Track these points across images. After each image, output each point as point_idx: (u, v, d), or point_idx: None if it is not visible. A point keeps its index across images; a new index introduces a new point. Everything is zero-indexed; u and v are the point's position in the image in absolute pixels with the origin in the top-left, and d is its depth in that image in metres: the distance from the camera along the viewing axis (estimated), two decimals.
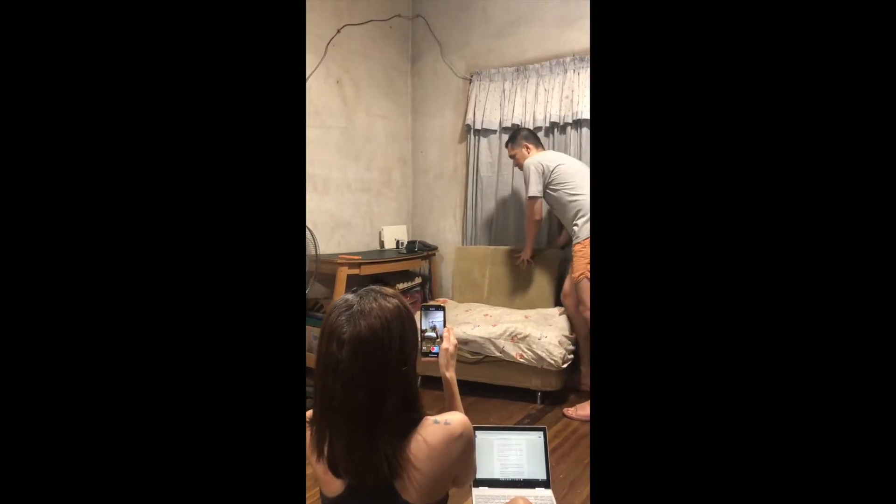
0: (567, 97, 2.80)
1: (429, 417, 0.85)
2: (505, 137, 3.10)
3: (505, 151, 3.08)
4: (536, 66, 2.94)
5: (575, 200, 2.29)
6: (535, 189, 2.40)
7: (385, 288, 0.87)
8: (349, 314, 0.80)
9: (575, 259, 2.31)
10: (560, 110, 2.83)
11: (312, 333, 2.78)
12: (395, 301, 0.84)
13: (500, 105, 3.07)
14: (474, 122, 3.14)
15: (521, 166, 2.57)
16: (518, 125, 2.97)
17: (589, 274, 2.21)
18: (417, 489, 0.81)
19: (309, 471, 1.75)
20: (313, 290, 2.56)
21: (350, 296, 0.84)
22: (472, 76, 3.21)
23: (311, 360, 2.95)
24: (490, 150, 3.15)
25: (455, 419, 0.85)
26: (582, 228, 2.27)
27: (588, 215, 2.26)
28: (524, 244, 2.78)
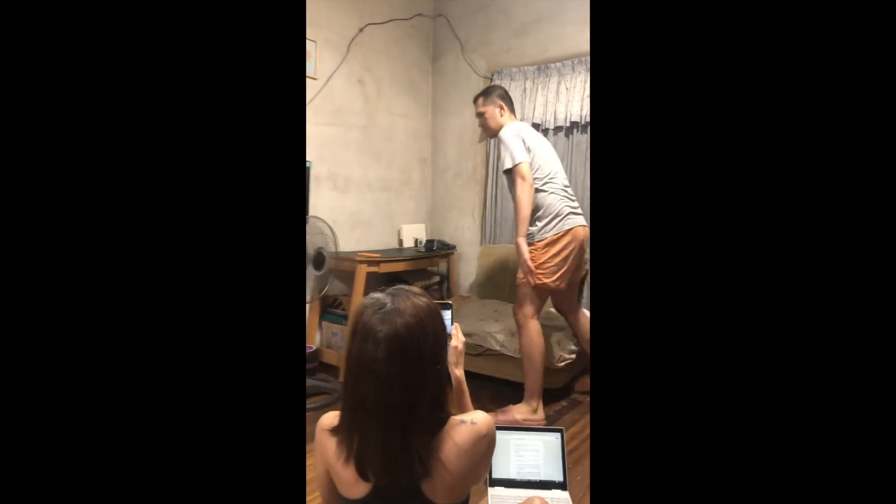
0: (589, 96, 2.78)
1: (454, 417, 0.85)
2: None
3: None
4: (558, 64, 2.92)
5: (540, 193, 2.03)
6: (521, 155, 2.01)
7: (413, 287, 0.87)
8: (383, 313, 0.79)
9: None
10: (581, 109, 2.80)
11: (331, 329, 2.80)
12: (425, 299, 0.84)
13: (520, 104, 3.05)
14: None
15: (487, 128, 2.23)
16: (538, 124, 2.96)
17: (538, 279, 2.02)
18: (446, 489, 0.81)
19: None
20: (332, 286, 2.58)
21: (380, 295, 0.83)
22: (492, 75, 3.20)
23: (328, 356, 2.94)
24: None
25: (480, 418, 0.85)
26: (541, 230, 2.04)
27: (551, 217, 2.04)
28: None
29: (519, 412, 2.12)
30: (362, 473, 0.82)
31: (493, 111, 2.20)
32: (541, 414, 2.13)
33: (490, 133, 2.26)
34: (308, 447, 1.89)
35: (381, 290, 0.85)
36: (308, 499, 1.58)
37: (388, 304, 0.81)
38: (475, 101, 2.28)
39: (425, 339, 0.80)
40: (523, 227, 2.01)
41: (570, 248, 2.07)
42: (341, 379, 2.56)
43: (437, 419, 0.83)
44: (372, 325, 0.79)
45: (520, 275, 2.09)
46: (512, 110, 2.23)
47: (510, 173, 2.05)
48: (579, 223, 2.10)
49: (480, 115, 2.24)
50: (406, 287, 0.86)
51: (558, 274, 2.07)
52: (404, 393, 0.78)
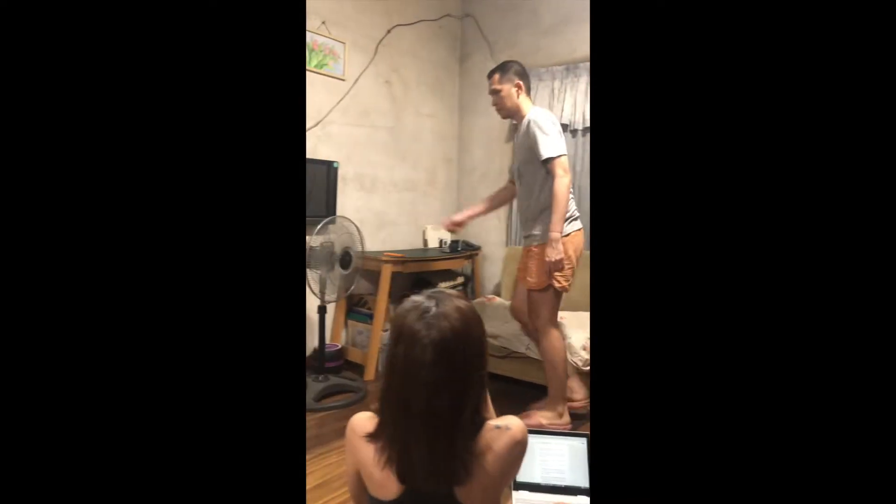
0: None
1: (489, 422, 0.84)
2: None
3: None
4: (587, 64, 2.88)
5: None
6: (563, 147, 1.93)
7: (450, 290, 0.86)
8: (429, 317, 0.78)
9: (532, 261, 2.02)
10: None
11: (356, 328, 2.82)
12: (465, 302, 0.83)
13: (549, 104, 3.02)
14: None
15: (502, 107, 2.08)
16: (566, 125, 2.92)
17: (560, 283, 1.97)
18: (480, 494, 0.80)
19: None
20: (358, 286, 2.60)
21: (419, 298, 0.82)
22: None
23: (354, 354, 2.96)
24: None
25: (514, 424, 0.84)
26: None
27: (567, 216, 1.98)
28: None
29: (544, 417, 2.10)
30: (402, 478, 0.80)
31: (510, 90, 2.05)
32: (566, 418, 2.10)
33: (504, 113, 2.11)
34: (333, 445, 1.91)
35: (420, 293, 0.84)
36: (328, 497, 1.59)
37: (433, 308, 0.79)
38: (490, 76, 2.10)
39: (471, 342, 0.79)
40: (561, 223, 1.93)
41: (578, 251, 2.02)
42: (366, 378, 2.59)
43: (477, 424, 0.82)
44: (418, 329, 0.77)
45: (533, 278, 2.01)
46: (528, 91, 2.10)
47: (547, 163, 1.94)
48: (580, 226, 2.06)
49: (495, 92, 2.07)
50: (444, 290, 0.85)
51: (570, 277, 2.02)
52: (451, 397, 0.77)
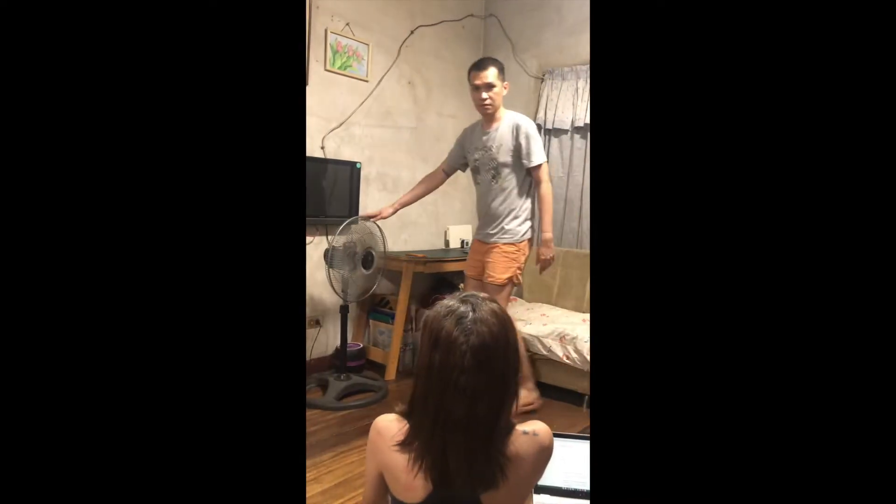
0: None
1: (518, 427, 0.83)
2: (577, 137, 3.02)
3: (578, 151, 3.00)
4: None
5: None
6: (544, 154, 2.11)
7: (479, 293, 0.85)
8: (468, 322, 0.77)
9: (498, 257, 2.11)
10: None
11: (378, 328, 2.84)
12: (498, 306, 0.82)
13: (572, 104, 2.99)
14: (545, 121, 3.08)
15: (493, 106, 2.03)
16: (588, 125, 2.88)
17: (518, 279, 2.13)
18: (508, 498, 0.80)
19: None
20: (380, 286, 2.61)
21: (453, 302, 0.81)
22: (544, 75, 3.15)
23: (375, 353, 2.98)
24: (561, 151, 3.08)
25: (542, 429, 0.84)
26: (528, 230, 2.16)
27: (529, 218, 2.15)
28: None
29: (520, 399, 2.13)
30: (438, 484, 0.79)
31: (502, 88, 2.04)
32: (536, 393, 2.27)
33: (492, 110, 2.06)
34: (354, 444, 1.92)
35: (451, 297, 0.83)
36: (349, 496, 1.60)
37: (470, 314, 0.78)
38: (484, 68, 1.99)
39: (508, 347, 0.78)
40: (551, 224, 2.15)
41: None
42: (387, 377, 2.60)
43: (508, 428, 0.82)
44: (456, 336, 0.76)
45: (499, 274, 2.11)
46: None
47: (535, 169, 2.08)
48: None
49: (490, 86, 1.99)
50: (476, 293, 0.84)
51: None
52: (490, 403, 0.77)
